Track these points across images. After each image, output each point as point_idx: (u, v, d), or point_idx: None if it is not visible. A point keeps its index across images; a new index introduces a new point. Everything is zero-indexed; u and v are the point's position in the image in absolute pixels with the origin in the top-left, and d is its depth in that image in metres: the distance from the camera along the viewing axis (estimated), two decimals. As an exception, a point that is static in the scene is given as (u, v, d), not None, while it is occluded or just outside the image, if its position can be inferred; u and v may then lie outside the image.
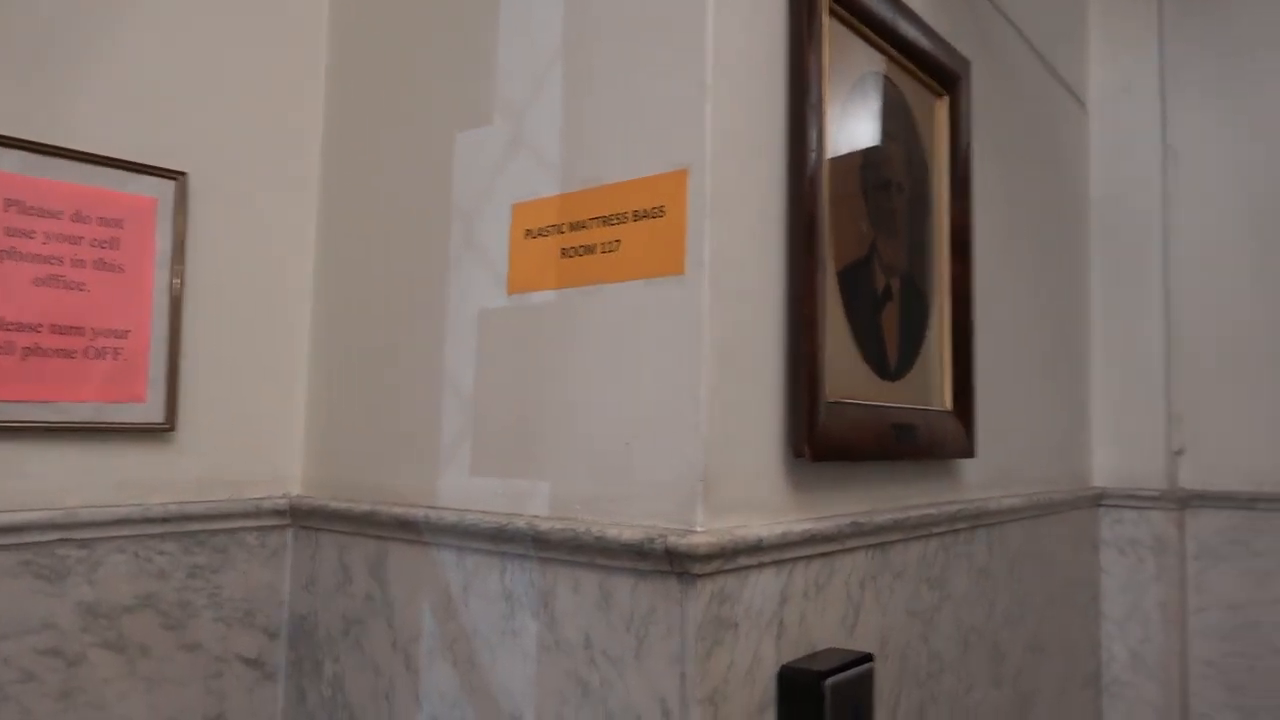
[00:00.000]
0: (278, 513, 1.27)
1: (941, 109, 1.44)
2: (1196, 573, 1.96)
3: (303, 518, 1.26)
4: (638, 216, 1.02)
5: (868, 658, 0.99)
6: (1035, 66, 1.84)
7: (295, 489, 1.30)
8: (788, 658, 0.98)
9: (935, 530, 1.31)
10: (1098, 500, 1.97)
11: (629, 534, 0.90)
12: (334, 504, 1.22)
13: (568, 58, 1.08)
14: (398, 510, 1.13)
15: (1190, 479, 2.00)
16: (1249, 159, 2.00)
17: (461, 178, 1.18)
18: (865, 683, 0.98)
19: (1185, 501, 1.97)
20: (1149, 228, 2.03)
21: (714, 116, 0.96)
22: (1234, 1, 2.03)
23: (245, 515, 1.23)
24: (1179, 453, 2.00)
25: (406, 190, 1.25)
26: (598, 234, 1.06)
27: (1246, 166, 2.00)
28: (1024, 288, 1.75)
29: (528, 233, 1.11)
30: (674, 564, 0.87)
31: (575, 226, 1.07)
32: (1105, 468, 2.01)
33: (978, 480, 1.49)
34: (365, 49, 1.34)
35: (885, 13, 1.26)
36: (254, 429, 1.27)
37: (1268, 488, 1.90)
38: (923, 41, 1.36)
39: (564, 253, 1.07)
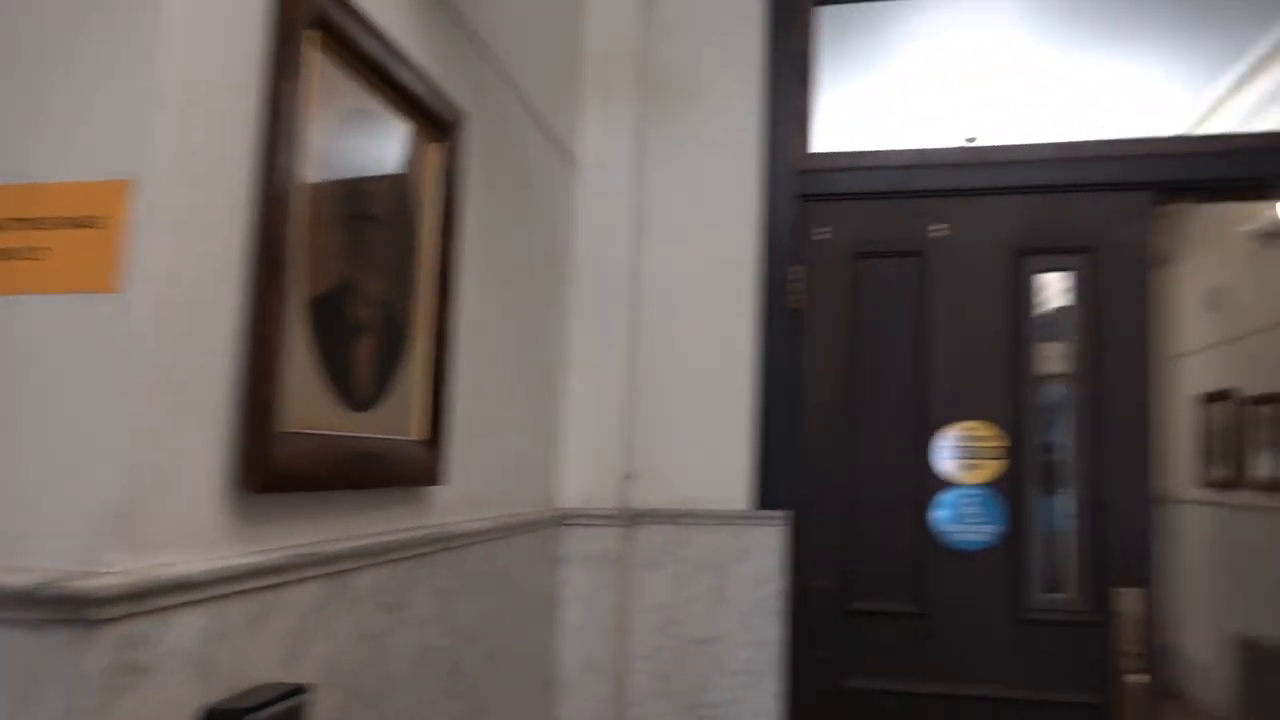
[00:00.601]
0: None
1: (436, 153, 1.53)
2: (639, 580, 2.29)
3: None
4: (71, 224, 0.93)
5: (301, 689, 1.00)
6: (532, 127, 2.03)
7: None
8: (218, 696, 0.95)
9: (398, 556, 1.36)
10: (563, 520, 2.21)
11: (20, 579, 0.80)
12: None
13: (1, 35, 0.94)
14: None
15: (640, 499, 2.33)
16: (698, 230, 2.41)
17: None
18: (295, 715, 0.98)
19: (634, 519, 2.30)
20: (621, 281, 2.35)
21: (170, 129, 0.92)
22: (690, 100, 2.45)
23: None
24: (631, 477, 2.33)
25: None
26: (20, 238, 0.94)
27: (696, 236, 2.41)
28: (509, 327, 1.91)
29: (-78, 225, 0.94)
30: (73, 610, 0.79)
31: (-8, 226, 0.94)
32: (573, 490, 2.26)
33: (449, 505, 1.58)
34: None
35: (379, 54, 1.30)
36: None
37: (689, 506, 2.29)
38: (419, 88, 1.42)
39: (-28, 254, 0.93)
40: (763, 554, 2.27)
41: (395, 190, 1.40)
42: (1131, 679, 2.12)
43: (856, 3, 2.77)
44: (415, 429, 1.44)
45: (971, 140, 4.22)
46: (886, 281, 2.36)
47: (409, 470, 1.40)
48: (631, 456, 2.34)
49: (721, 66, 2.46)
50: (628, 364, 2.34)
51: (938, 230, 2.34)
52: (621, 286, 2.34)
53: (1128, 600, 2.14)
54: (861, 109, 4.09)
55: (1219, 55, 3.50)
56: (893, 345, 2.34)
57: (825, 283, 2.37)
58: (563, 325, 2.29)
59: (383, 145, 1.37)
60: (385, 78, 1.33)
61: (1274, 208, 4.18)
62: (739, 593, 2.26)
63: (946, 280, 2.32)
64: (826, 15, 2.56)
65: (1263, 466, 4.51)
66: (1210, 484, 5.11)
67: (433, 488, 1.51)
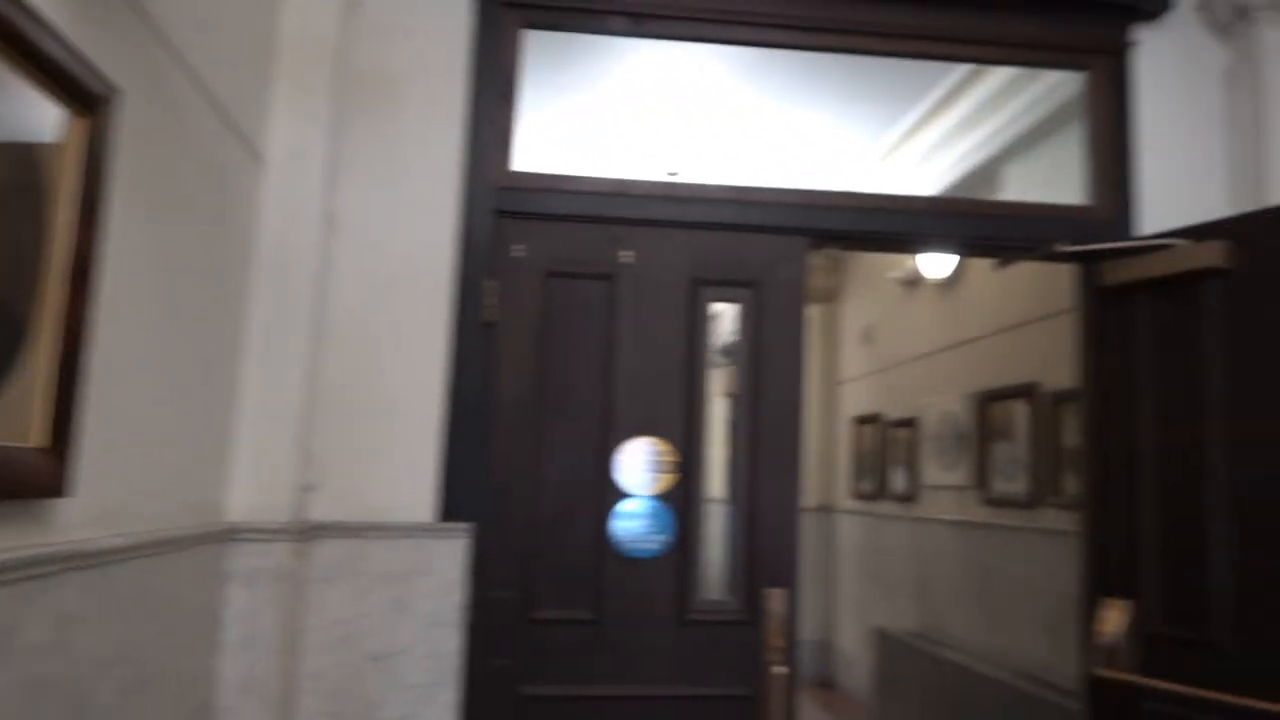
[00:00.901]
0: None
1: (79, 129, 1.37)
2: (314, 595, 2.19)
3: None
4: None
5: None
6: (209, 114, 1.89)
7: None
8: None
9: (2, 579, 1.20)
10: (228, 535, 2.06)
11: None
12: None
13: None
14: None
15: (320, 512, 2.23)
16: (394, 237, 2.37)
17: None
18: None
19: (310, 533, 2.19)
20: (305, 283, 2.24)
21: None
22: (392, 104, 2.41)
23: None
24: (310, 489, 2.22)
25: None
26: None
27: (391, 242, 2.36)
28: (169, 326, 1.75)
29: None
30: None
31: None
32: (242, 503, 2.11)
33: (79, 520, 1.42)
34: None
35: (8, 13, 1.15)
36: None
37: (372, 518, 2.24)
38: (56, 52, 1.27)
39: None
40: (445, 566, 2.26)
41: (18, 165, 1.24)
42: (775, 670, 2.35)
43: (564, 31, 2.87)
44: (34, 435, 1.28)
45: (674, 174, 4.52)
46: (577, 301, 2.46)
47: (22, 481, 1.24)
48: (311, 467, 2.23)
49: (426, 75, 2.45)
50: (309, 370, 2.23)
51: (627, 256, 2.48)
52: (306, 288, 2.24)
53: (774, 600, 2.38)
54: (567, 133, 4.24)
55: (893, 108, 4.08)
56: (581, 362, 2.44)
57: (519, 298, 2.43)
58: (238, 327, 2.14)
59: (4, 113, 1.21)
60: (9, 35, 1.18)
61: (914, 259, 4.88)
62: (420, 606, 2.24)
63: (633, 304, 2.47)
64: (535, 38, 2.62)
65: (899, 481, 5.22)
66: (860, 495, 5.83)
67: (56, 500, 1.35)
